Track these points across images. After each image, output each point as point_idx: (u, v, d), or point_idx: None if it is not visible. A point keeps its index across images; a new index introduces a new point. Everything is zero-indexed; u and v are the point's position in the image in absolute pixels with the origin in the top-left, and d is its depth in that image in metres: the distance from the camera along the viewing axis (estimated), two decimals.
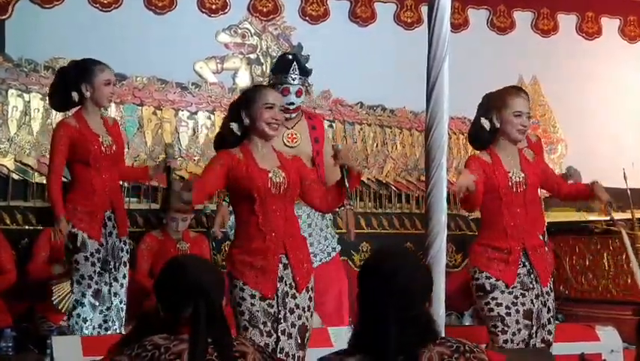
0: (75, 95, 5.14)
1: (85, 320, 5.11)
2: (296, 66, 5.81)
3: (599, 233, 7.11)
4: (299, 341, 4.11)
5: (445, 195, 4.02)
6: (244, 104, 4.24)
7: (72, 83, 5.16)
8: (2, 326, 6.04)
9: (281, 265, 4.14)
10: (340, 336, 4.28)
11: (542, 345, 4.58)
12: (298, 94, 5.79)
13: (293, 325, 4.10)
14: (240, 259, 4.16)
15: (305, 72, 5.90)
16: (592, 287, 7.26)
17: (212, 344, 2.65)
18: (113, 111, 7.04)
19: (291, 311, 4.11)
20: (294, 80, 5.77)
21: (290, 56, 6.03)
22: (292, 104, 5.73)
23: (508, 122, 4.62)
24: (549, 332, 4.66)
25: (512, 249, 4.59)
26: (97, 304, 5.11)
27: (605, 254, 7.13)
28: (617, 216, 6.85)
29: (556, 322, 6.79)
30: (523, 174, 4.63)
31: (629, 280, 6.92)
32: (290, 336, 4.08)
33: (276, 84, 5.69)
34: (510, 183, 4.60)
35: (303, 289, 4.15)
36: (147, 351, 2.62)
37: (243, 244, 4.19)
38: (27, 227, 6.88)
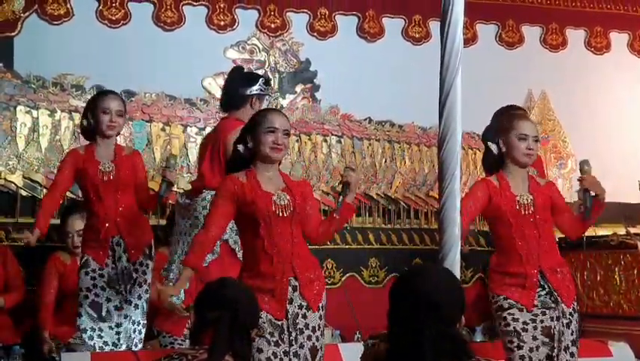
0: (85, 123, 5.31)
1: (85, 331, 5.14)
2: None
3: (611, 248, 7.06)
4: None
5: (458, 207, 3.99)
6: (250, 128, 4.28)
7: (84, 112, 5.36)
8: (11, 343, 6.01)
9: (290, 288, 4.12)
10: (353, 353, 4.24)
11: None
12: None
13: (302, 346, 4.07)
14: (249, 284, 4.07)
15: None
16: (603, 302, 7.21)
17: (233, 356, 2.83)
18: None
19: (301, 332, 4.08)
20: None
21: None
22: None
23: (514, 146, 4.55)
24: (572, 355, 4.42)
25: (528, 273, 4.45)
26: (95, 316, 5.13)
27: (616, 269, 7.09)
28: (633, 230, 6.84)
29: None
30: (531, 196, 4.52)
31: None
32: (298, 356, 4.05)
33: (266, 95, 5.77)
34: (517, 207, 4.49)
35: (316, 309, 4.13)
36: (174, 360, 2.82)
37: (252, 268, 4.17)
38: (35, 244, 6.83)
